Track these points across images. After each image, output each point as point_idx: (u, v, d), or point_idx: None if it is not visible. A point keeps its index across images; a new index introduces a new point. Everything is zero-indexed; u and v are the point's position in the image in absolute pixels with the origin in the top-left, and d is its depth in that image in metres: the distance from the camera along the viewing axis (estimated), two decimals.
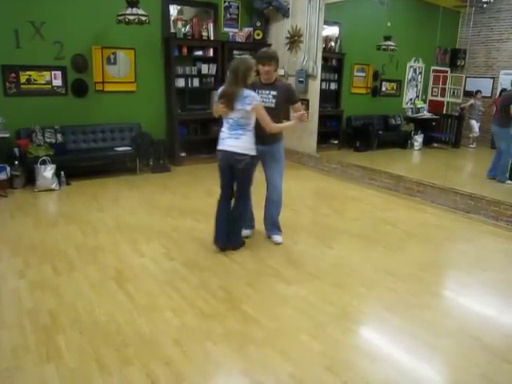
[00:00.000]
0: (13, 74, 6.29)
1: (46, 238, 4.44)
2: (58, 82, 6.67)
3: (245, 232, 4.47)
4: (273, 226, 4.50)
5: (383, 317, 3.18)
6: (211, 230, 4.22)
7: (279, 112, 4.19)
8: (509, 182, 6.40)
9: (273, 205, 4.44)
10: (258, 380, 2.46)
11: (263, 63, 4.08)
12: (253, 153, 3.94)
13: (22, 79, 6.38)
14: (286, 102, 4.25)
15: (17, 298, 3.27)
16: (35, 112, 6.48)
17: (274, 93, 4.16)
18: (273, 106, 4.13)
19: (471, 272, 4.00)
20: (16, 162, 6.08)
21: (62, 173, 6.27)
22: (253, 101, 3.81)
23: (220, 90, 4.00)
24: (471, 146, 10.06)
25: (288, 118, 4.43)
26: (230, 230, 4.17)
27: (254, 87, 4.06)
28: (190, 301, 3.28)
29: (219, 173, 4.09)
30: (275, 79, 4.24)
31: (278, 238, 4.48)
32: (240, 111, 3.83)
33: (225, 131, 3.98)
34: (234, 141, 3.88)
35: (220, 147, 3.98)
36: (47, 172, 6.01)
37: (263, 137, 4.04)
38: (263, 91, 4.16)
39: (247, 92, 3.82)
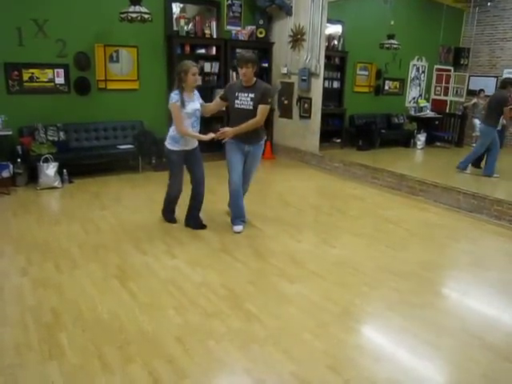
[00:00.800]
0: (15, 72, 6.29)
1: (49, 235, 4.45)
2: (60, 80, 6.67)
3: (238, 228, 4.62)
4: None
5: (386, 316, 3.17)
6: (213, 228, 4.23)
7: (256, 113, 4.34)
8: (495, 175, 6.73)
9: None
10: (260, 378, 2.46)
11: (240, 66, 4.28)
12: (169, 146, 4.45)
13: (25, 77, 6.39)
14: (260, 102, 4.36)
15: (19, 296, 3.28)
16: (38, 110, 6.48)
17: (252, 95, 4.33)
18: (250, 107, 4.34)
19: (474, 271, 3.99)
20: (19, 160, 6.09)
21: (65, 171, 6.27)
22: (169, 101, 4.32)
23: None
24: (474, 144, 10.03)
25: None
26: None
27: (233, 90, 4.40)
28: (192, 299, 3.28)
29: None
30: (255, 81, 4.38)
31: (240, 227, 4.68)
32: None
33: None
34: None
35: None
36: (50, 170, 6.01)
37: (249, 138, 4.35)
38: (242, 94, 4.37)
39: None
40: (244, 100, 4.35)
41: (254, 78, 4.39)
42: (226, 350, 2.70)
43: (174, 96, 4.27)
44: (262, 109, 4.34)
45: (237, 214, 4.65)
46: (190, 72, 4.24)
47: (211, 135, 4.38)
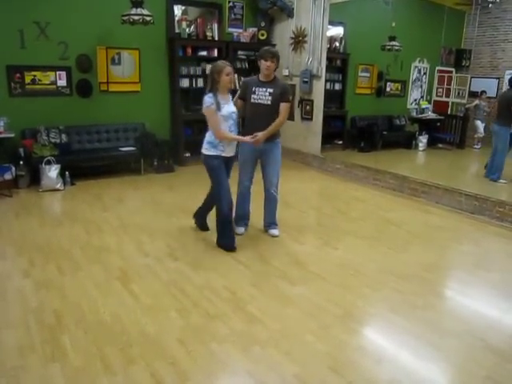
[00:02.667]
0: (18, 74, 6.30)
1: (51, 237, 4.45)
2: (62, 83, 6.69)
3: (240, 230, 4.59)
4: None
5: (388, 317, 3.17)
6: (215, 230, 4.23)
7: (274, 109, 4.24)
8: (502, 181, 6.45)
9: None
10: (262, 380, 2.46)
11: (265, 58, 4.16)
12: (206, 152, 4.15)
13: (27, 79, 6.40)
14: (280, 99, 4.26)
15: (22, 298, 3.28)
16: (40, 112, 6.50)
17: (271, 90, 4.22)
18: (269, 103, 4.22)
19: (476, 273, 3.98)
20: (21, 162, 6.09)
21: (67, 173, 6.28)
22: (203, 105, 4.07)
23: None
24: (476, 146, 10.03)
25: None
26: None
27: (250, 85, 4.26)
28: (194, 301, 3.28)
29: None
30: (274, 77, 4.29)
31: (275, 231, 4.61)
32: None
33: None
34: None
35: None
36: (52, 172, 6.03)
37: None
38: (260, 89, 4.24)
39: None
40: (262, 95, 4.23)
41: (273, 75, 4.29)
42: (229, 352, 2.70)
43: (208, 99, 4.00)
44: (285, 107, 4.25)
45: (241, 216, 4.61)
46: (224, 72, 3.97)
47: (248, 139, 4.15)
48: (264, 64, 4.18)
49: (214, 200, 4.26)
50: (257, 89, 4.25)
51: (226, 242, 4.20)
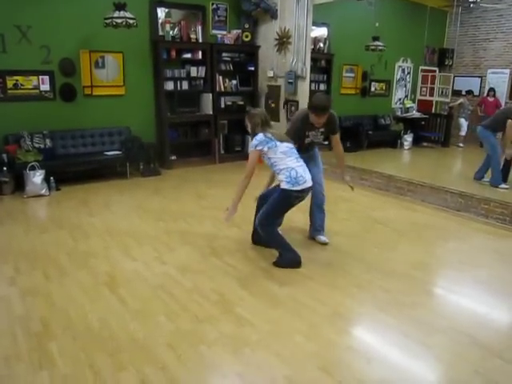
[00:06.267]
0: None
1: (37, 244, 4.40)
2: (45, 87, 6.63)
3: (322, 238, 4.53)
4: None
5: (376, 316, 3.18)
6: (203, 233, 4.22)
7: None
8: (503, 185, 6.16)
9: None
10: (253, 382, 2.45)
11: (318, 115, 4.04)
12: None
13: (9, 84, 6.33)
14: (330, 132, 4.37)
15: (8, 306, 3.23)
16: (23, 117, 6.43)
17: (322, 129, 4.27)
18: (321, 141, 4.43)
19: (463, 270, 4.02)
20: (4, 168, 6.02)
21: (52, 178, 6.22)
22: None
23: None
24: (460, 144, 10.15)
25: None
26: None
27: (302, 129, 4.21)
28: (183, 305, 3.27)
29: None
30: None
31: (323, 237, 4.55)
32: None
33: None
34: None
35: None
36: (36, 178, 5.96)
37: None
38: (312, 132, 4.26)
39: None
40: (314, 136, 4.30)
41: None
42: (219, 355, 2.69)
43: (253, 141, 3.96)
44: (338, 138, 4.45)
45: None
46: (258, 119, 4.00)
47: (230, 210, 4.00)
48: (315, 119, 4.07)
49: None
50: (309, 133, 4.25)
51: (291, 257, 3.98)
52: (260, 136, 3.87)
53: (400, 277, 3.80)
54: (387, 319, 3.13)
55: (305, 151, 4.27)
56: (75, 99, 6.89)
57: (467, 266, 4.09)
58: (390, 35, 9.06)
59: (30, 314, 3.13)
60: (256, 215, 4.10)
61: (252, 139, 3.96)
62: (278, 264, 3.95)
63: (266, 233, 3.98)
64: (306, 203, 4.25)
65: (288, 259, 3.94)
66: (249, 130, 4.02)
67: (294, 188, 3.78)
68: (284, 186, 3.80)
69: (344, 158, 4.58)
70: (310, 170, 4.07)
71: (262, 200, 4.15)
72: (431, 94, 10.56)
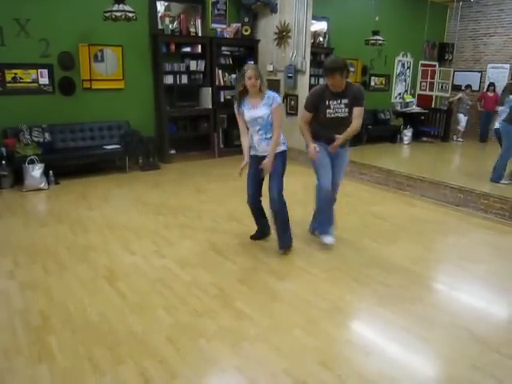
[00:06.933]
0: None
1: (36, 237, 4.40)
2: (44, 80, 6.60)
3: (329, 239, 4.30)
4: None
5: (376, 311, 3.19)
6: (202, 227, 4.21)
7: (350, 118, 3.99)
8: (503, 181, 6.12)
9: None
10: (252, 376, 2.46)
11: (327, 76, 3.84)
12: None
13: (8, 77, 6.30)
14: (353, 105, 3.98)
15: (7, 299, 3.24)
16: (22, 111, 6.41)
17: (346, 101, 3.95)
18: (346, 114, 3.98)
19: (462, 265, 4.02)
20: (3, 162, 6.01)
21: (51, 172, 6.21)
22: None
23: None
24: (459, 139, 10.14)
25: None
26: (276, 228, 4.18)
27: (322, 99, 3.94)
28: (182, 298, 3.27)
29: None
30: (345, 86, 3.93)
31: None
32: None
33: None
34: None
35: None
36: (35, 171, 5.95)
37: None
38: (334, 102, 3.94)
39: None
40: (337, 108, 3.94)
41: (345, 82, 3.91)
42: (217, 349, 2.69)
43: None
44: (359, 111, 3.96)
45: (330, 221, 4.35)
46: (246, 76, 3.75)
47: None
48: (329, 82, 3.85)
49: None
50: (331, 102, 3.93)
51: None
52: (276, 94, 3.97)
53: (399, 271, 3.81)
54: (386, 314, 3.13)
55: (329, 129, 4.02)
56: (74, 93, 6.86)
57: (466, 261, 4.10)
58: (390, 29, 9.02)
59: (29, 307, 3.13)
60: (249, 192, 4.13)
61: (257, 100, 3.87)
62: (288, 246, 4.12)
63: (284, 203, 4.11)
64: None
65: (289, 237, 4.14)
66: (257, 86, 3.79)
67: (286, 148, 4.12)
68: (283, 147, 4.08)
69: (353, 131, 4.03)
70: (332, 168, 4.16)
71: (254, 177, 4.09)
72: (431, 89, 10.52)
